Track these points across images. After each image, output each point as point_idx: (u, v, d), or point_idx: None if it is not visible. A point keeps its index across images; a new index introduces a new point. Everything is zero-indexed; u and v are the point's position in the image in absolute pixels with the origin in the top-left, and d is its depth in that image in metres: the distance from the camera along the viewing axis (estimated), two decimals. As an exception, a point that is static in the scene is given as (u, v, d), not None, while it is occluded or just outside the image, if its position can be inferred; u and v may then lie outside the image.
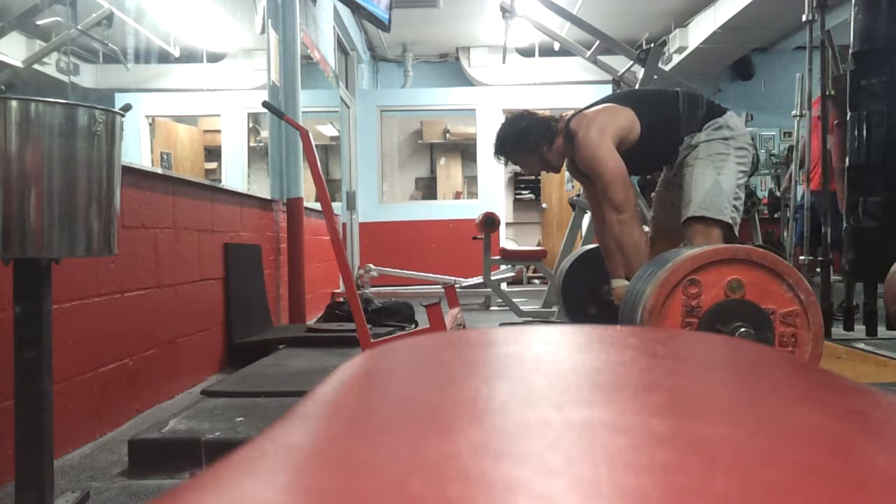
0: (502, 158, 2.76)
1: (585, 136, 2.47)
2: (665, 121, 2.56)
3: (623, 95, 2.79)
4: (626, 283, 2.59)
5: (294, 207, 4.22)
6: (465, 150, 8.97)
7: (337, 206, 6.56)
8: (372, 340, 2.48)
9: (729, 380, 0.36)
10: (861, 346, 3.29)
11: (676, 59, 7.46)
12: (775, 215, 6.65)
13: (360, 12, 4.85)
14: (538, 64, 8.07)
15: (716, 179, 2.43)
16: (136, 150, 5.78)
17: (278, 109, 2.82)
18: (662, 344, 0.41)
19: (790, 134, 6.59)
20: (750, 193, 4.53)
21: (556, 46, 6.68)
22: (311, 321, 4.12)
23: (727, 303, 1.73)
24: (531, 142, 2.66)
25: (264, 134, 6.35)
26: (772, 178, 7.89)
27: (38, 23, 2.96)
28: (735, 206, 2.44)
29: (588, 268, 3.54)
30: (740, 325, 1.72)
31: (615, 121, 2.51)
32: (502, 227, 6.57)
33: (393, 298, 4.50)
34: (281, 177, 4.23)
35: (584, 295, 3.54)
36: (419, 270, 6.61)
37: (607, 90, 7.42)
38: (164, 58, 4.91)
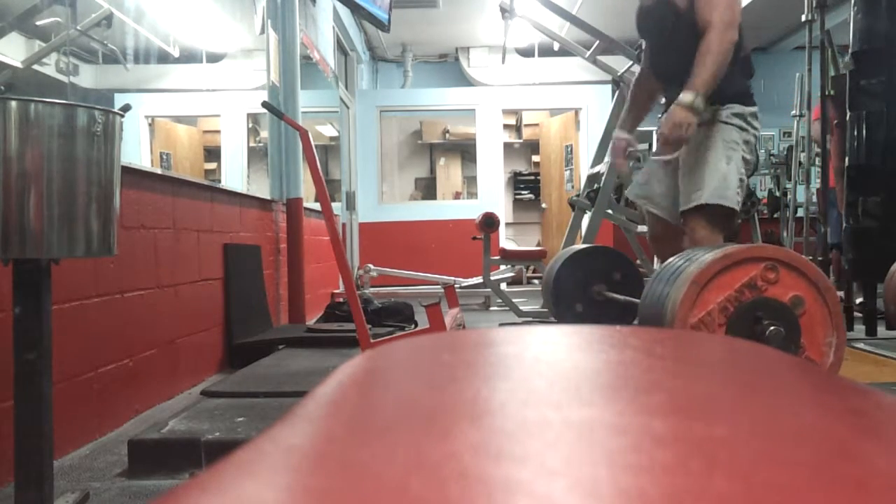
0: None
1: None
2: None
3: None
4: (691, 99, 2.27)
5: (294, 208, 4.22)
6: (464, 150, 8.96)
7: (337, 207, 6.56)
8: (372, 340, 2.48)
9: (729, 380, 0.36)
10: (861, 346, 3.29)
11: (676, 58, 7.45)
12: (775, 215, 6.64)
13: (359, 12, 4.86)
14: (538, 64, 8.07)
15: (727, 168, 2.38)
16: (136, 151, 5.78)
17: (278, 110, 2.82)
18: (662, 344, 0.41)
19: (790, 134, 6.58)
20: (750, 193, 4.52)
21: (556, 46, 6.68)
22: (311, 321, 4.12)
23: (781, 306, 1.63)
24: None
25: (264, 134, 6.34)
26: (771, 179, 7.86)
27: (38, 23, 2.95)
28: (738, 199, 2.42)
29: (579, 268, 3.53)
30: (772, 324, 1.62)
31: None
32: (502, 227, 6.57)
33: (393, 298, 4.51)
34: (280, 177, 4.23)
35: (574, 294, 3.52)
36: (419, 270, 6.61)
37: (607, 90, 7.44)
38: (164, 58, 4.91)
